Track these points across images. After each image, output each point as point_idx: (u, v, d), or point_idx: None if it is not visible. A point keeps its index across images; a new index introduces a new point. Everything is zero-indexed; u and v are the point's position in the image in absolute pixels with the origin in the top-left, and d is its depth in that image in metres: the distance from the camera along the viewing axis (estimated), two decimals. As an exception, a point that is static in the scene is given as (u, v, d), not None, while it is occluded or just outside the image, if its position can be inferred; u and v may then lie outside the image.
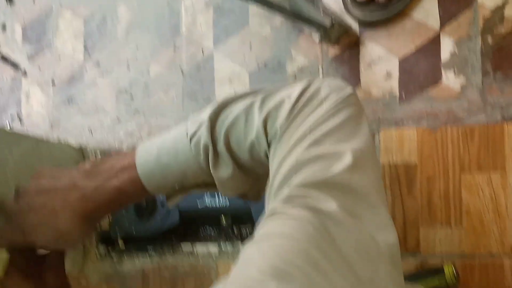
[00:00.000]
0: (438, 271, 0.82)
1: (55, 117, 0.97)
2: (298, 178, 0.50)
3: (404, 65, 0.88)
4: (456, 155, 0.84)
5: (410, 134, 0.86)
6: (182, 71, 0.91)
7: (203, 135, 0.59)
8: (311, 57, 0.88)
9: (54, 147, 0.84)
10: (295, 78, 0.89)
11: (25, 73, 0.94)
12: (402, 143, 0.86)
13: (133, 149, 0.64)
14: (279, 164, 0.53)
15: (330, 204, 0.47)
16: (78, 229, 0.65)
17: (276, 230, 0.46)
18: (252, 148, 0.59)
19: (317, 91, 0.57)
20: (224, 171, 0.60)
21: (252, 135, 0.58)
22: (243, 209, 0.87)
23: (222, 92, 0.91)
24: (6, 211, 0.64)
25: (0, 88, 0.98)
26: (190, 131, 0.60)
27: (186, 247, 0.90)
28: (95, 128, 0.96)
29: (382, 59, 0.88)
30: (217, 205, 0.87)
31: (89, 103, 0.92)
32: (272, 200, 0.52)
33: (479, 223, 0.83)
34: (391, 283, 0.46)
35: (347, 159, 0.50)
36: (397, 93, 0.87)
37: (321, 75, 0.88)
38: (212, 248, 0.88)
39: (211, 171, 0.61)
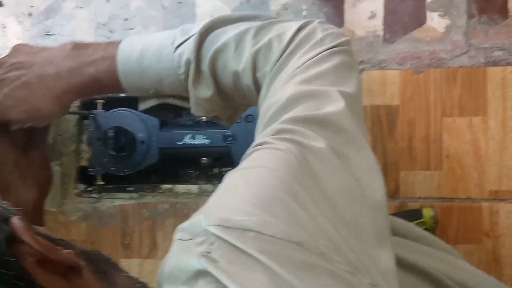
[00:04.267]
0: (417, 214, 0.82)
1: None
2: (288, 114, 0.49)
3: (389, 4, 0.86)
4: (438, 98, 0.84)
5: (393, 75, 0.85)
6: (162, 6, 0.90)
7: (188, 49, 0.58)
8: (295, -6, 0.87)
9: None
10: (278, 15, 0.87)
11: (1, 4, 0.92)
12: (385, 85, 0.85)
13: (118, 42, 0.63)
14: (269, 103, 0.53)
15: (318, 142, 0.47)
16: (50, 106, 0.65)
17: (261, 161, 0.46)
18: (236, 77, 0.58)
19: (313, 32, 0.56)
20: (204, 91, 0.60)
21: (239, 66, 0.57)
22: (224, 151, 0.87)
23: (203, 28, 0.89)
24: None
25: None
26: (177, 40, 0.59)
27: (166, 187, 0.89)
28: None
29: (367, -3, 0.87)
30: (197, 144, 0.87)
31: (67, 36, 0.91)
32: (260, 134, 0.51)
33: (459, 167, 0.83)
34: (375, 229, 0.45)
35: (339, 101, 0.50)
36: (381, 34, 0.86)
37: (304, 13, 0.87)
38: (192, 188, 0.88)
39: (189, 88, 0.60)
